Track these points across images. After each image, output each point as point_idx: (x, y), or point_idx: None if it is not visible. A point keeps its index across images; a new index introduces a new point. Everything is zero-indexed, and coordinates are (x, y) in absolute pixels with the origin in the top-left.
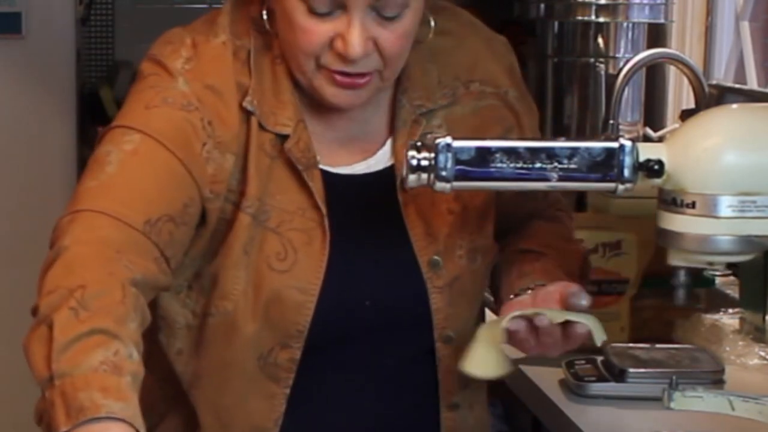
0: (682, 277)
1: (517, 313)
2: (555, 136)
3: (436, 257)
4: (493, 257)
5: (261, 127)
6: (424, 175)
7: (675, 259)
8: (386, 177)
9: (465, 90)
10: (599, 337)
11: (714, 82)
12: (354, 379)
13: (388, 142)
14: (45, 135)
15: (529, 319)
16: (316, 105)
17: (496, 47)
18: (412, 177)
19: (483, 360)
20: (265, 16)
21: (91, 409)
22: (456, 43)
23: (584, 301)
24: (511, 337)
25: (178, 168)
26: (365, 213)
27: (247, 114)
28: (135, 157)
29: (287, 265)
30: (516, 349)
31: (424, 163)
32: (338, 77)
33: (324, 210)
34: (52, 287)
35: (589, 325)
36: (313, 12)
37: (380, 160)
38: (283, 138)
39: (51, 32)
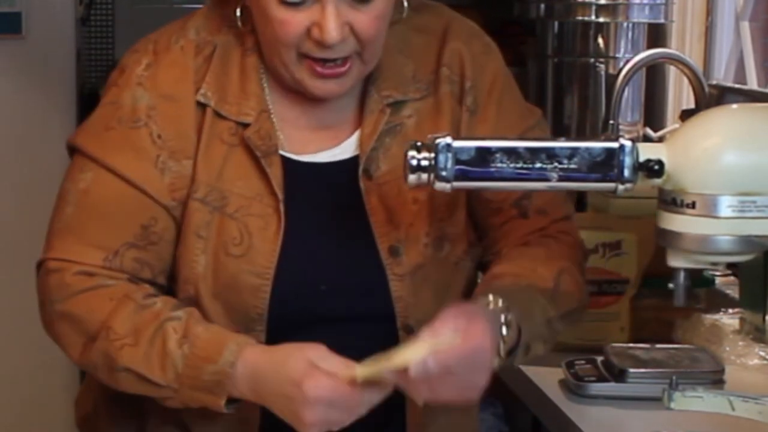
0: (681, 277)
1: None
2: (555, 136)
3: (396, 244)
4: (468, 248)
5: (218, 116)
6: (424, 175)
7: (674, 260)
8: (350, 166)
9: (436, 77)
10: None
11: (714, 82)
12: None
13: (357, 133)
14: (45, 135)
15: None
16: (290, 93)
17: (474, 45)
18: (412, 177)
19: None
20: (238, 13)
21: (221, 375)
22: (435, 39)
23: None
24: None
25: (131, 193)
26: (326, 200)
27: (201, 106)
28: (87, 197)
29: (242, 249)
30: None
31: (424, 163)
32: (319, 68)
33: (281, 196)
34: (81, 345)
35: (411, 356)
36: (285, 3)
37: (346, 149)
38: (245, 126)
39: (51, 32)
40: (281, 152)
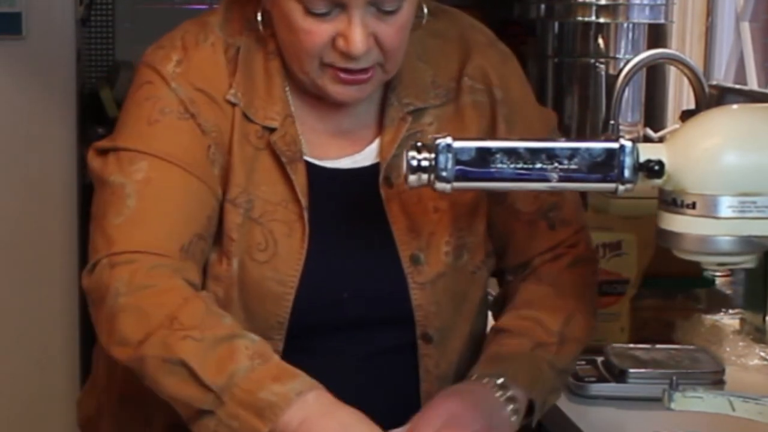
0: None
1: None
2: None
3: (417, 252)
4: (485, 257)
5: (246, 118)
6: (425, 176)
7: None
8: (371, 173)
9: (457, 86)
10: None
11: (714, 82)
12: (343, 370)
13: (377, 140)
14: (45, 135)
15: None
16: (310, 98)
17: (494, 55)
18: (412, 177)
19: None
20: (259, 17)
21: (281, 399)
22: (454, 45)
23: None
24: None
25: (193, 182)
26: (348, 206)
27: (231, 105)
28: (149, 186)
29: (267, 256)
30: None
31: (425, 163)
32: (342, 75)
33: (304, 203)
34: (142, 335)
35: None
36: (310, 13)
37: (367, 156)
38: (271, 130)
39: (51, 32)
40: (305, 158)
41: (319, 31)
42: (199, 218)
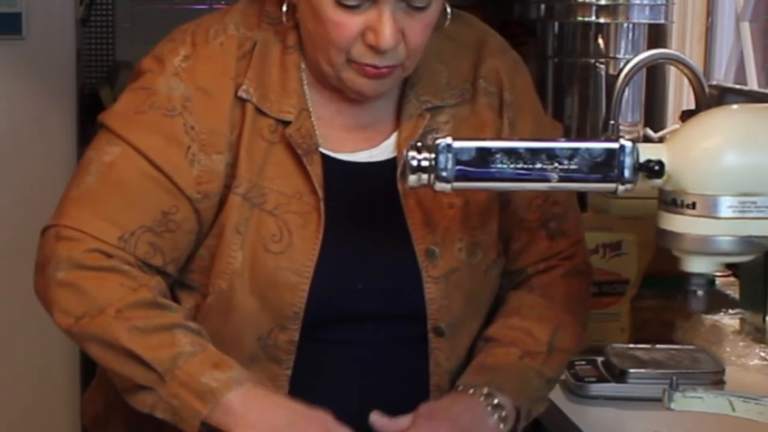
0: (701, 282)
1: None
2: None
3: (433, 247)
4: (497, 257)
5: (259, 112)
6: (425, 176)
7: (696, 266)
8: (388, 167)
9: (472, 88)
10: None
11: (714, 82)
12: (356, 361)
13: (394, 135)
14: (45, 135)
15: None
16: (328, 92)
17: (508, 60)
18: (412, 177)
19: None
20: (284, 9)
21: (222, 385)
22: (469, 49)
23: None
24: None
25: (156, 177)
26: (364, 199)
27: (242, 102)
28: (111, 170)
29: (282, 246)
30: None
31: (425, 163)
32: (368, 69)
33: (321, 194)
34: (80, 312)
35: None
36: (341, 4)
37: (384, 151)
38: (286, 124)
39: (51, 32)
40: (321, 150)
41: (349, 24)
42: (150, 212)
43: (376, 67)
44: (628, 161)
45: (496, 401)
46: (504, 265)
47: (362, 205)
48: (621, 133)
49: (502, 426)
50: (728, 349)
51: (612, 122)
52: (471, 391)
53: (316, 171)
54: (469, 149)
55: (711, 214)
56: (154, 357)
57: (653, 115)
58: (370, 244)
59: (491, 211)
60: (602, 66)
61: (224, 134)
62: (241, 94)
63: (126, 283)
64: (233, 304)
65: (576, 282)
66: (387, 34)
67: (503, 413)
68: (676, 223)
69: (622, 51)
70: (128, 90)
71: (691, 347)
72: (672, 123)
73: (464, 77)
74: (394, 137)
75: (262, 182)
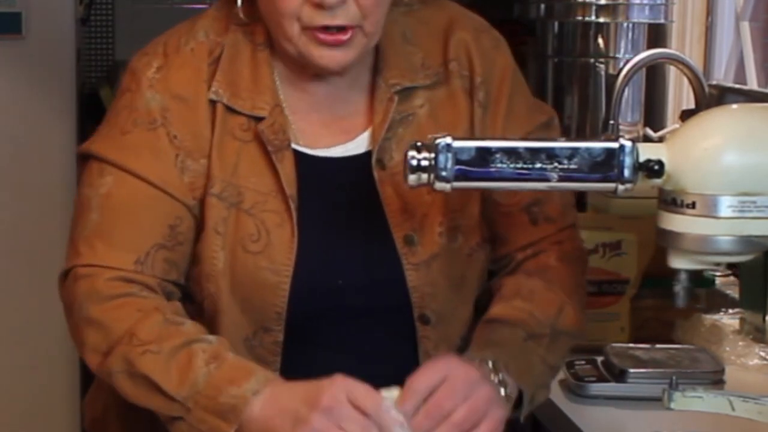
0: (683, 279)
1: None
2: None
3: (411, 233)
4: (481, 241)
5: (230, 111)
6: (425, 175)
7: (676, 262)
8: (364, 160)
9: (445, 70)
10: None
11: (714, 82)
12: (342, 360)
13: (370, 128)
14: (45, 135)
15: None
16: (301, 85)
17: (483, 39)
18: (412, 177)
19: None
20: (239, 3)
21: (239, 401)
22: (440, 30)
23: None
24: None
25: (154, 194)
26: (340, 194)
27: (213, 104)
28: (110, 201)
29: (260, 246)
30: None
31: (424, 163)
32: (321, 35)
33: (289, 192)
34: (106, 348)
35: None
36: None
37: (360, 144)
38: (258, 120)
39: (51, 32)
40: (294, 146)
41: None
42: (158, 229)
43: (327, 27)
44: (627, 161)
45: (501, 377)
46: (490, 251)
47: (338, 200)
48: (621, 133)
49: (503, 392)
50: (728, 349)
51: (612, 122)
52: (477, 361)
53: (286, 168)
54: (468, 149)
55: (711, 213)
56: (174, 387)
57: (653, 115)
58: (348, 239)
59: (471, 195)
60: (602, 66)
61: (206, 137)
62: (211, 96)
63: (142, 307)
64: (220, 307)
65: (571, 267)
66: None
67: (507, 390)
68: (676, 222)
69: (622, 51)
70: (112, 111)
71: (691, 347)
72: (672, 123)
73: (438, 60)
74: (369, 131)
75: (237, 181)
